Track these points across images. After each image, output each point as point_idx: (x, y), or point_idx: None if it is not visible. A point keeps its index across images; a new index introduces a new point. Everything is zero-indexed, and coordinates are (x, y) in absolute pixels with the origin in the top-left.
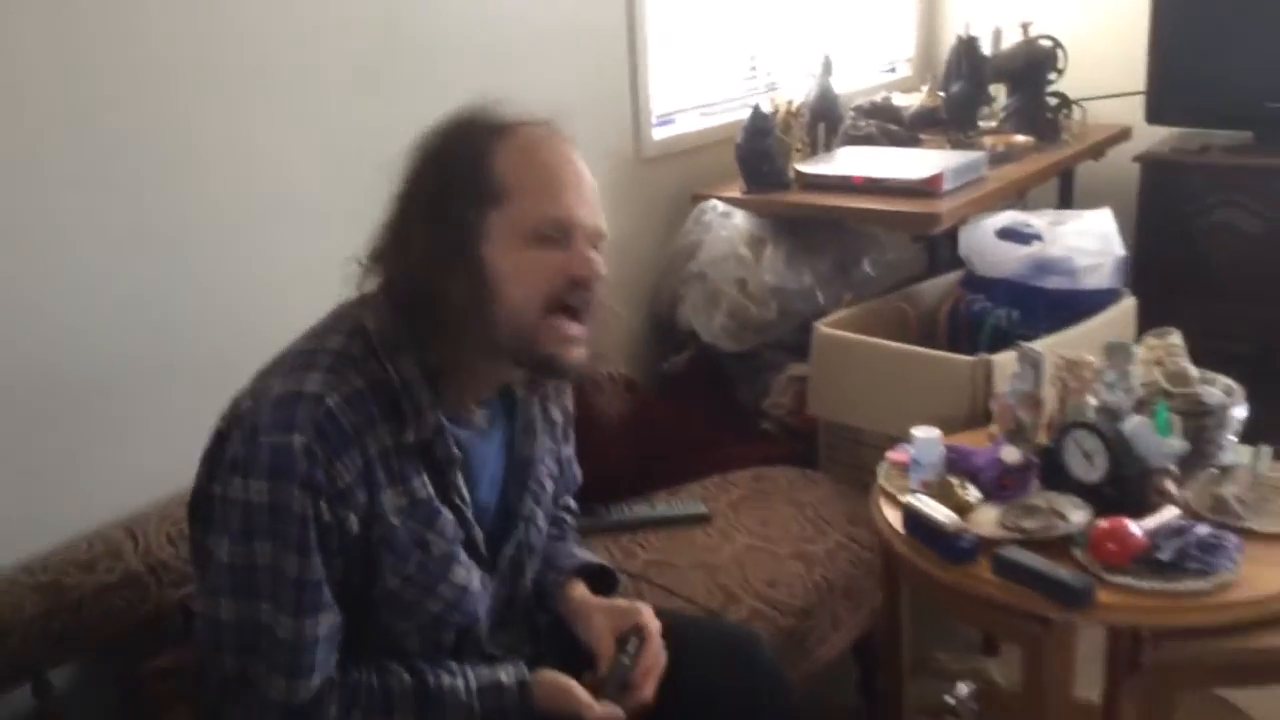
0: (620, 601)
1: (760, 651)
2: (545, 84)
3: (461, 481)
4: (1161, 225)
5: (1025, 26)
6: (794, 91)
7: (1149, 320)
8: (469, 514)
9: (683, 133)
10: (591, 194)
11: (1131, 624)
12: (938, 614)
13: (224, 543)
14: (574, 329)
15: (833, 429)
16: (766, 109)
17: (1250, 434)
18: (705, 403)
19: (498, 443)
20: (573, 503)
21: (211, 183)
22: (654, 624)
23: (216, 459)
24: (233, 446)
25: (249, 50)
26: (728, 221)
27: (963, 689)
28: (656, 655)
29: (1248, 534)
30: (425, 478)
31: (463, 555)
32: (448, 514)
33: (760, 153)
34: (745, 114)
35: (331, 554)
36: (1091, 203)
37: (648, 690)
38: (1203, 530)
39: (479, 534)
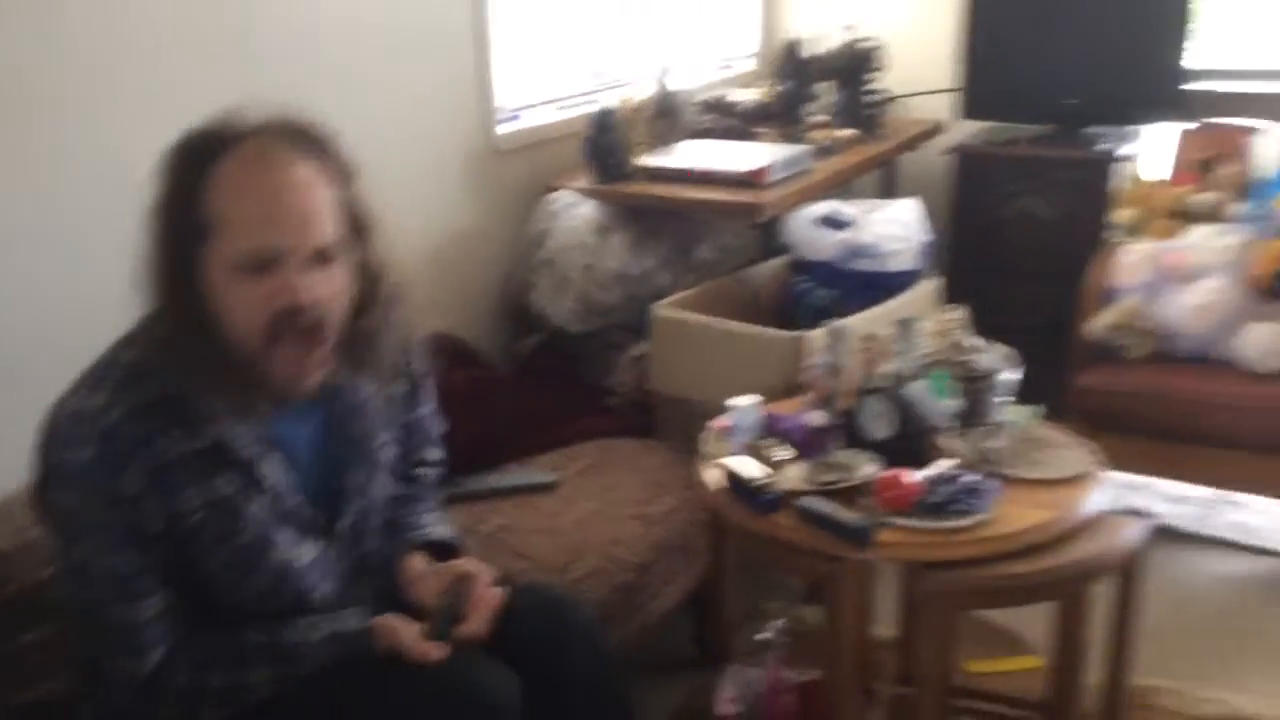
0: (449, 563)
1: (582, 614)
2: (392, 82)
3: (271, 471)
4: (971, 212)
5: (848, 29)
6: (639, 88)
7: (959, 297)
8: (288, 501)
9: (533, 126)
10: (304, 211)
11: (907, 558)
12: (765, 569)
13: (59, 543)
14: (301, 356)
15: (671, 402)
16: (612, 105)
17: (1036, 395)
18: (555, 381)
19: (316, 421)
20: (433, 454)
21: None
22: (479, 569)
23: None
24: (45, 457)
25: (71, 67)
26: (575, 211)
27: (776, 624)
28: (483, 592)
29: (1008, 480)
30: (227, 475)
31: (280, 536)
32: (256, 505)
33: (606, 146)
34: (593, 109)
35: (146, 547)
36: (911, 191)
37: (476, 623)
38: (969, 477)
39: (307, 512)
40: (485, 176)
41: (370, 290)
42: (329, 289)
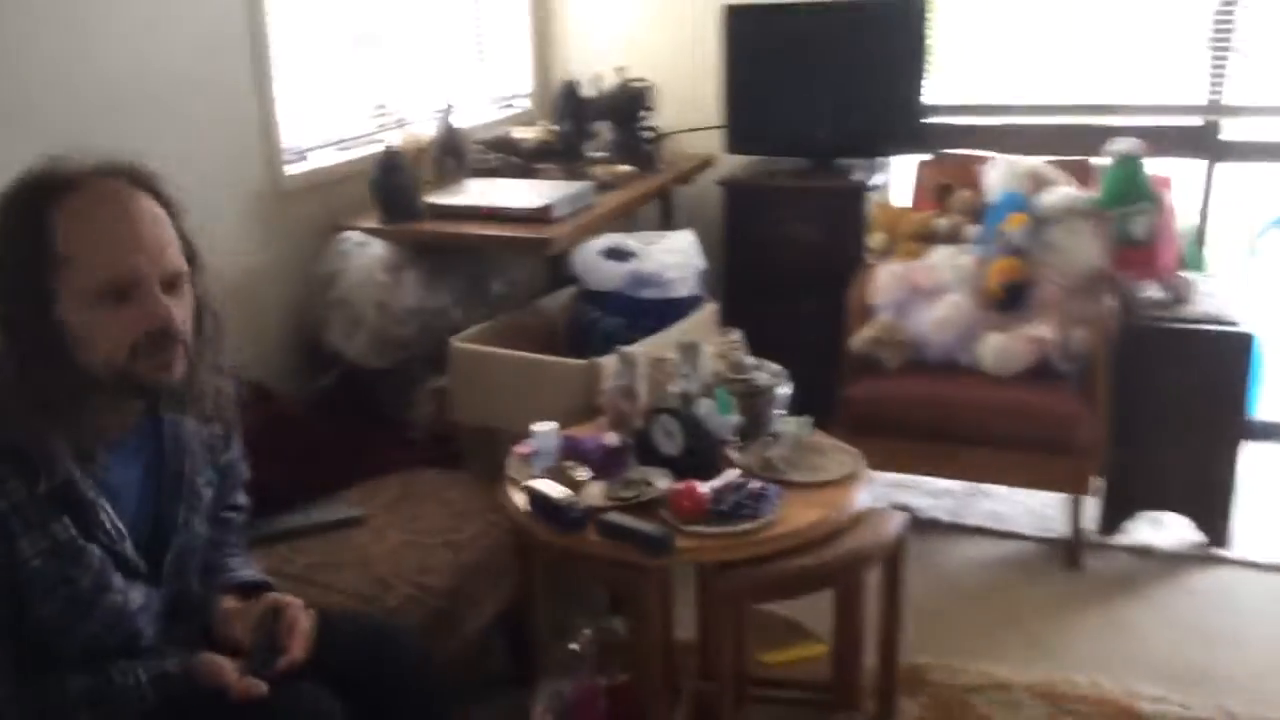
0: (260, 598)
1: (403, 638)
2: (175, 129)
3: (106, 517)
4: (743, 239)
5: (620, 71)
6: (422, 128)
7: (736, 319)
8: (120, 545)
9: (321, 167)
10: (155, 239)
11: (702, 561)
12: (572, 585)
13: None
14: (166, 361)
15: (472, 432)
16: (397, 145)
17: (811, 406)
18: (354, 417)
19: (143, 463)
20: (240, 498)
21: None
22: (287, 599)
23: None
24: None
25: None
26: (366, 250)
27: (585, 634)
28: (295, 618)
29: (788, 485)
30: (66, 520)
31: (117, 581)
32: (94, 549)
33: (393, 186)
34: (378, 149)
35: None
36: (687, 221)
37: (295, 650)
38: (754, 484)
39: (133, 555)
40: (274, 217)
41: (198, 324)
42: (182, 314)
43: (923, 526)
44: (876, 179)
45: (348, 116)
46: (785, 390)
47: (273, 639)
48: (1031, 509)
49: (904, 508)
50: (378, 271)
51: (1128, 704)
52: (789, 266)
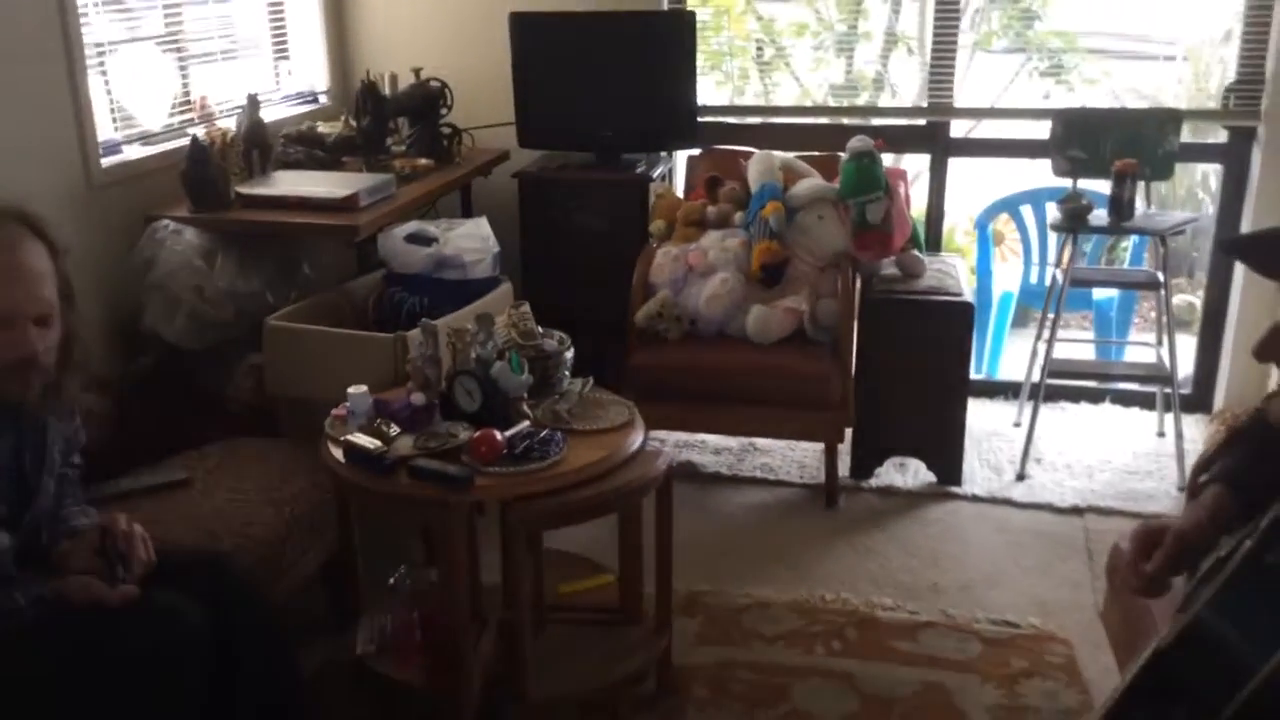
0: (91, 524)
1: (234, 563)
2: None
3: None
4: (538, 225)
5: (417, 71)
6: (228, 122)
7: (533, 297)
8: None
9: (134, 159)
10: (35, 279)
11: (500, 496)
12: (389, 541)
13: None
14: (26, 385)
15: (290, 403)
16: (205, 138)
17: (598, 374)
18: (175, 394)
19: (11, 440)
20: (77, 459)
21: None
22: (113, 516)
23: None
24: None
25: None
26: (180, 237)
27: (401, 571)
28: (128, 529)
29: (574, 432)
30: None
31: None
32: None
33: (201, 177)
34: (187, 142)
35: None
36: (488, 210)
37: (142, 553)
38: (544, 433)
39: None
40: (90, 208)
41: (67, 352)
42: (45, 345)
43: (705, 480)
44: (657, 171)
45: (158, 111)
46: (569, 354)
47: (117, 553)
48: (797, 460)
49: (689, 464)
50: (193, 257)
51: (867, 612)
52: (580, 251)
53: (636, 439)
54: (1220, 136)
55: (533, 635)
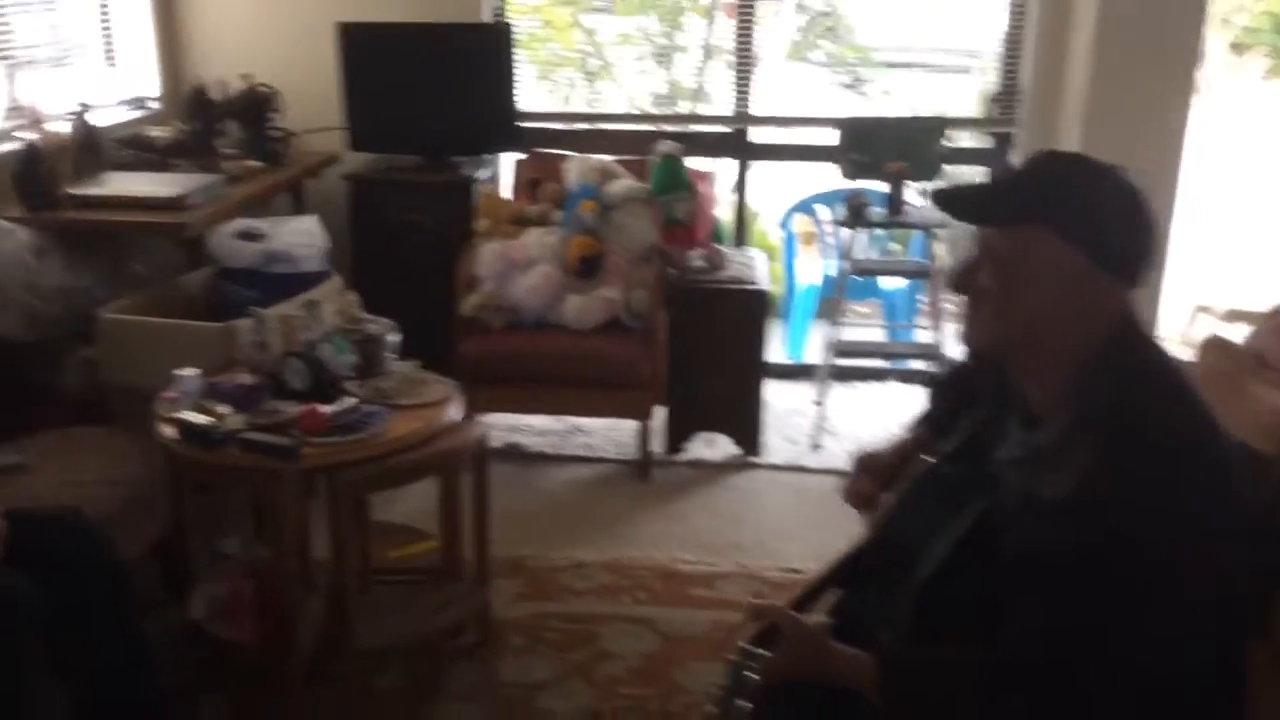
0: None
1: (81, 519)
2: None
3: None
4: (369, 225)
5: (246, 77)
6: (60, 126)
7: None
8: None
9: None
10: None
11: (325, 464)
12: (224, 517)
13: None
14: None
15: (124, 392)
16: (36, 140)
17: (433, 360)
18: (6, 385)
19: None
20: None
21: None
22: None
23: None
24: None
25: None
26: (12, 236)
27: (232, 540)
28: None
29: (397, 408)
30: None
31: None
32: None
33: (33, 178)
34: (18, 144)
35: None
36: (321, 210)
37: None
38: (368, 408)
39: None
40: None
41: None
42: None
43: (531, 459)
44: (482, 173)
45: None
46: (394, 337)
47: None
48: (615, 439)
49: (516, 445)
50: (25, 255)
51: (672, 567)
52: (409, 248)
53: (454, 412)
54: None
55: (359, 594)
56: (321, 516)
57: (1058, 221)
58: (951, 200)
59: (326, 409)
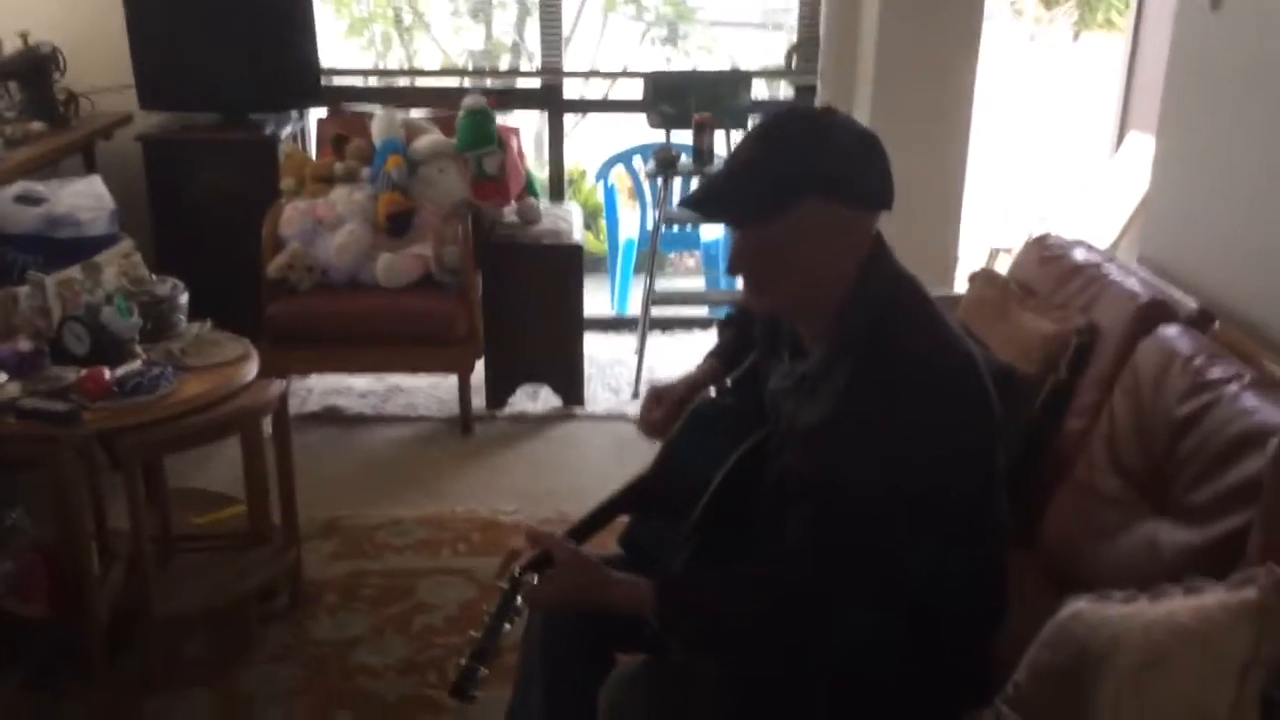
0: None
1: None
2: None
3: None
4: (166, 186)
5: (24, 35)
6: None
7: (164, 254)
8: None
9: None
10: None
11: (110, 426)
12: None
13: None
14: None
15: None
16: None
17: (225, 317)
18: None
19: None
20: None
21: None
22: None
23: None
24: None
25: None
26: None
27: (14, 514)
28: None
29: (189, 369)
30: None
31: None
32: None
33: None
34: None
35: None
36: (113, 172)
37: None
38: (154, 370)
39: None
40: None
41: None
42: None
43: (350, 421)
44: (285, 131)
45: None
46: (183, 298)
47: None
48: (438, 397)
49: (334, 408)
50: None
51: (492, 518)
52: (210, 209)
53: (250, 372)
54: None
55: (161, 561)
56: (121, 487)
57: (815, 188)
58: (706, 206)
59: (109, 373)
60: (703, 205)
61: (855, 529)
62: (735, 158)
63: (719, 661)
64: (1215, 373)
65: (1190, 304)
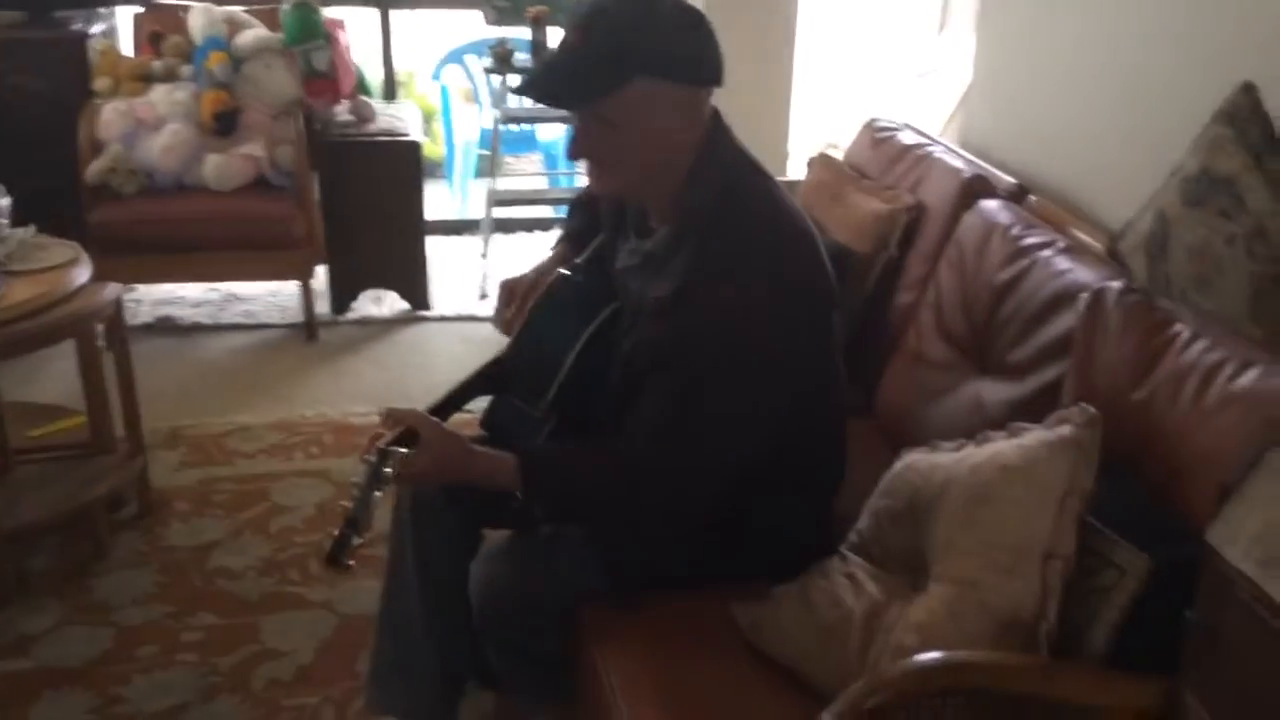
0: None
1: None
2: None
3: None
4: None
5: None
6: None
7: None
8: None
9: None
10: None
11: None
12: None
13: None
14: None
15: None
16: None
17: (44, 225)
18: None
19: None
20: None
21: None
22: None
23: None
24: None
25: None
26: None
27: None
28: None
29: (14, 274)
30: None
31: None
32: None
33: None
34: None
35: None
36: None
37: None
38: None
39: None
40: None
41: None
42: None
43: (187, 331)
44: (96, 28)
45: None
46: (4, 202)
47: None
48: (279, 305)
49: (168, 318)
50: None
51: (343, 421)
52: (19, 112)
53: (80, 275)
54: None
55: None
56: None
57: (647, 68)
58: (539, 89)
59: None
60: (534, 88)
61: (698, 399)
62: (564, 41)
63: (581, 528)
64: (1030, 240)
65: (1009, 180)
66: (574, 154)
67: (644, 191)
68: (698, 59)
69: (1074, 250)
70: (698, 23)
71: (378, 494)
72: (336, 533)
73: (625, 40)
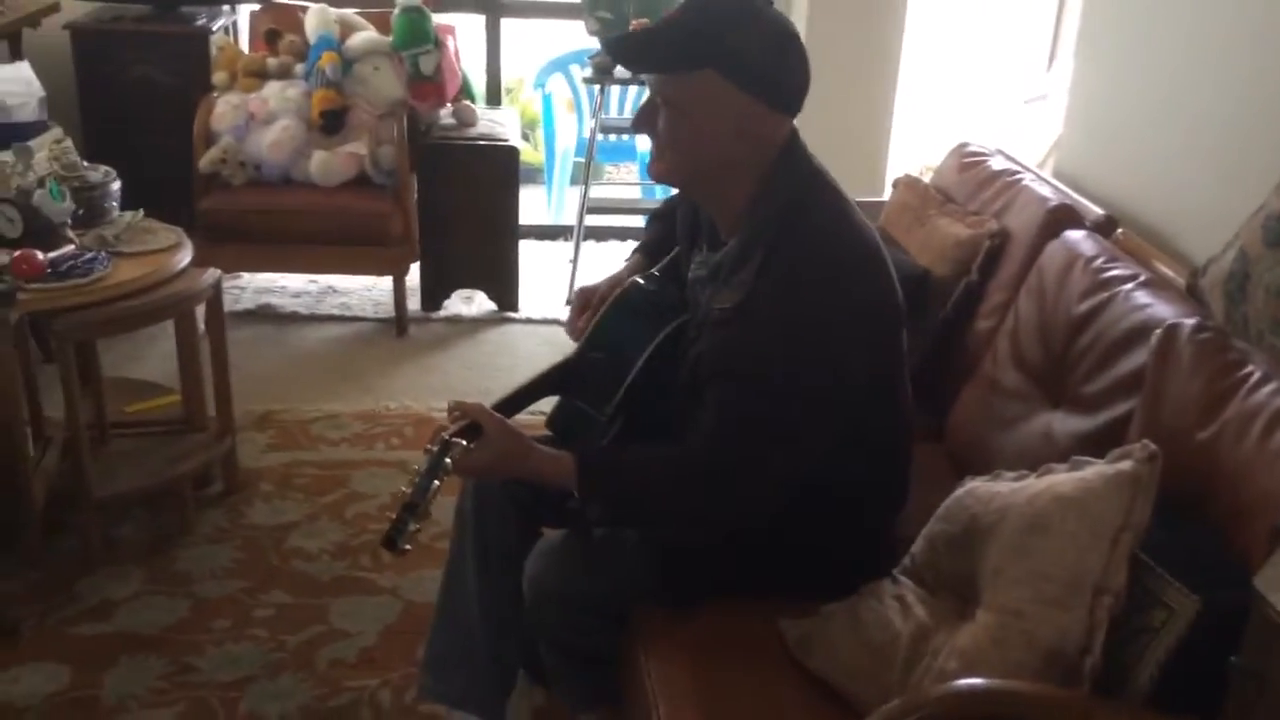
0: None
1: None
2: None
3: None
4: (95, 77)
5: None
6: None
7: (96, 145)
8: None
9: None
10: None
11: (46, 308)
12: None
13: None
14: None
15: None
16: None
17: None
18: None
19: None
20: None
21: None
22: None
23: None
24: None
25: None
26: None
27: None
28: None
29: (122, 255)
30: None
31: None
32: None
33: None
34: None
35: None
36: (42, 61)
37: None
38: (87, 255)
39: None
40: None
41: None
42: None
43: (284, 319)
44: (218, 24)
45: None
46: (115, 185)
47: None
48: (373, 299)
49: (269, 306)
50: None
51: (425, 415)
52: (142, 102)
53: (183, 259)
54: None
55: (96, 446)
56: (55, 378)
57: (720, 65)
58: (619, 47)
59: (42, 255)
60: (617, 46)
61: (759, 411)
62: (662, 17)
63: (635, 531)
64: (1113, 272)
65: (1097, 211)
66: (636, 124)
67: (698, 191)
68: (775, 80)
69: (1156, 285)
70: (785, 47)
71: (437, 483)
72: (394, 517)
73: (710, 31)
